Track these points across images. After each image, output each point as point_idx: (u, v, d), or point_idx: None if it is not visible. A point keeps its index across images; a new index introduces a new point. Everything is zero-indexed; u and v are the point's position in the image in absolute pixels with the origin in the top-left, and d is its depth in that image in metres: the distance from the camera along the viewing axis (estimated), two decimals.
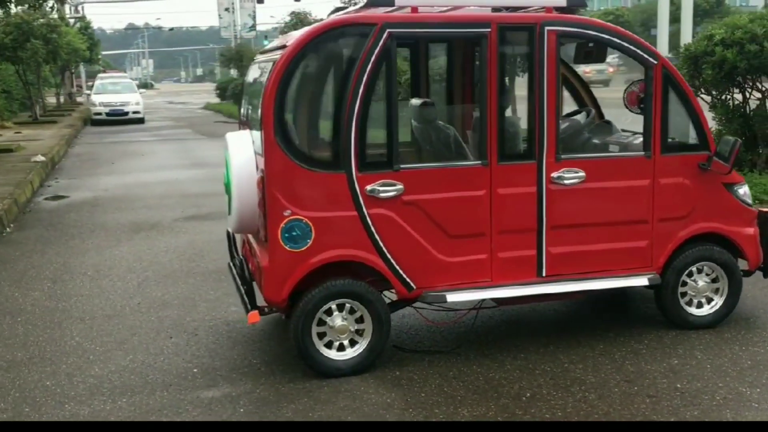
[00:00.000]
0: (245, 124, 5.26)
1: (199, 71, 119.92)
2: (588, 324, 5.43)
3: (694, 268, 5.20)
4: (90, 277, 7.07)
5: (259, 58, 5.36)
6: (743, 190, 5.28)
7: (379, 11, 4.70)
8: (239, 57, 33.75)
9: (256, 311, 4.60)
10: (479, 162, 4.71)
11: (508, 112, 4.79)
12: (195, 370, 4.86)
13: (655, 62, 4.90)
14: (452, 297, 4.71)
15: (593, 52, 5.21)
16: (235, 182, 4.72)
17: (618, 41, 4.86)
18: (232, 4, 37.29)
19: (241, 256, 5.29)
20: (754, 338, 5.10)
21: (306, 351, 4.59)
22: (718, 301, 5.29)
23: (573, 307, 5.79)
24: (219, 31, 45.68)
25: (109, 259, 7.73)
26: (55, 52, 25.38)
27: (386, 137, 4.56)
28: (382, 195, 4.54)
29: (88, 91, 33.19)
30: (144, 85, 64.22)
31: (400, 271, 4.64)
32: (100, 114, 27.00)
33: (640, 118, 5.03)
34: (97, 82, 30.81)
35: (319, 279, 4.57)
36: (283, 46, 4.51)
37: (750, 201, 5.34)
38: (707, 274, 5.25)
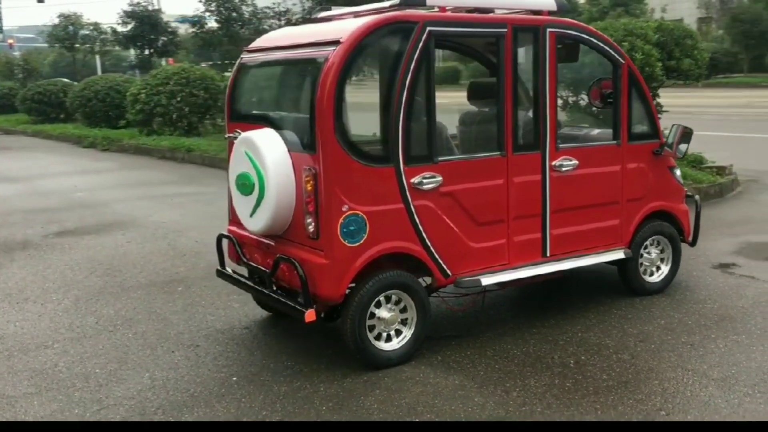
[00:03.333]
0: (251, 123, 5.09)
1: None
2: (562, 300, 5.96)
3: (648, 242, 5.97)
4: (5, 302, 6.33)
5: (265, 56, 5.22)
6: (678, 172, 6.15)
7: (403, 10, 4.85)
8: None
9: (313, 310, 4.54)
10: (498, 153, 5.05)
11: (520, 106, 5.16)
12: (234, 378, 4.67)
13: (623, 62, 5.57)
14: (486, 280, 5.00)
15: (564, 52, 5.72)
16: (272, 181, 4.62)
17: (596, 42, 5.46)
18: None
19: (248, 262, 5.15)
20: (699, 297, 5.95)
21: (361, 344, 4.63)
22: (664, 269, 6.10)
23: (536, 287, 6.31)
24: None
25: (5, 281, 6.94)
26: None
27: (426, 131, 4.74)
28: (425, 187, 4.72)
29: None
30: None
31: (439, 260, 4.85)
32: None
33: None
34: None
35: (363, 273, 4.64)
36: (330, 42, 4.49)
37: (682, 181, 6.23)
38: (656, 246, 6.05)
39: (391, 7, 4.80)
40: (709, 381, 4.44)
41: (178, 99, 18.06)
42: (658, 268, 6.09)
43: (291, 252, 4.73)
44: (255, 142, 4.73)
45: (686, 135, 5.85)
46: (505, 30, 4.95)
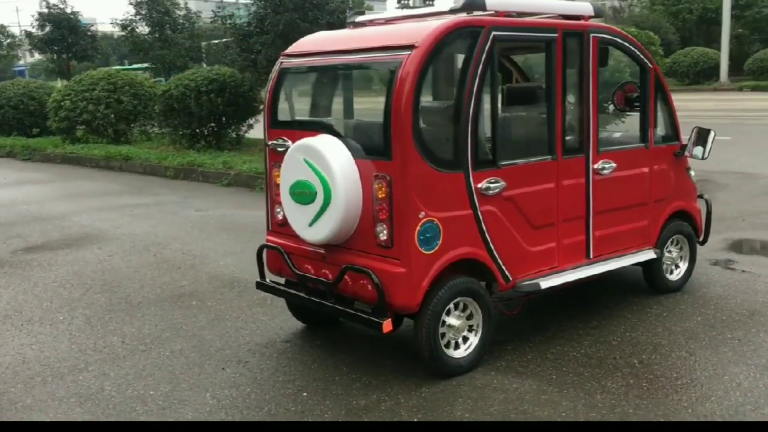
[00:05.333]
0: (300, 130, 4.93)
1: None
2: (585, 300, 6.02)
3: (669, 241, 6.13)
4: (7, 324, 5.88)
5: (311, 60, 5.03)
6: (693, 172, 6.35)
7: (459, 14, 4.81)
8: None
9: (389, 320, 4.42)
10: (549, 157, 5.07)
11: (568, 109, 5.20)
12: (305, 394, 4.50)
13: (651, 66, 5.71)
14: (545, 284, 5.01)
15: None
16: (340, 189, 4.47)
17: (629, 47, 5.57)
18: None
19: (300, 273, 4.98)
20: (718, 293, 6.14)
21: (435, 353, 4.55)
22: (683, 267, 6.28)
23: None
24: None
25: None
26: None
27: (492, 136, 4.71)
28: (491, 192, 4.68)
29: None
30: None
31: (502, 265, 4.82)
32: None
33: None
34: None
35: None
36: (402, 46, 4.38)
37: (695, 181, 6.44)
38: (676, 245, 6.22)
39: (452, 11, 4.74)
40: None
41: (104, 105, 17.37)
42: (677, 266, 6.26)
43: (358, 261, 4.59)
44: (318, 149, 4.57)
45: (702, 136, 5.99)
46: (556, 35, 4.98)
